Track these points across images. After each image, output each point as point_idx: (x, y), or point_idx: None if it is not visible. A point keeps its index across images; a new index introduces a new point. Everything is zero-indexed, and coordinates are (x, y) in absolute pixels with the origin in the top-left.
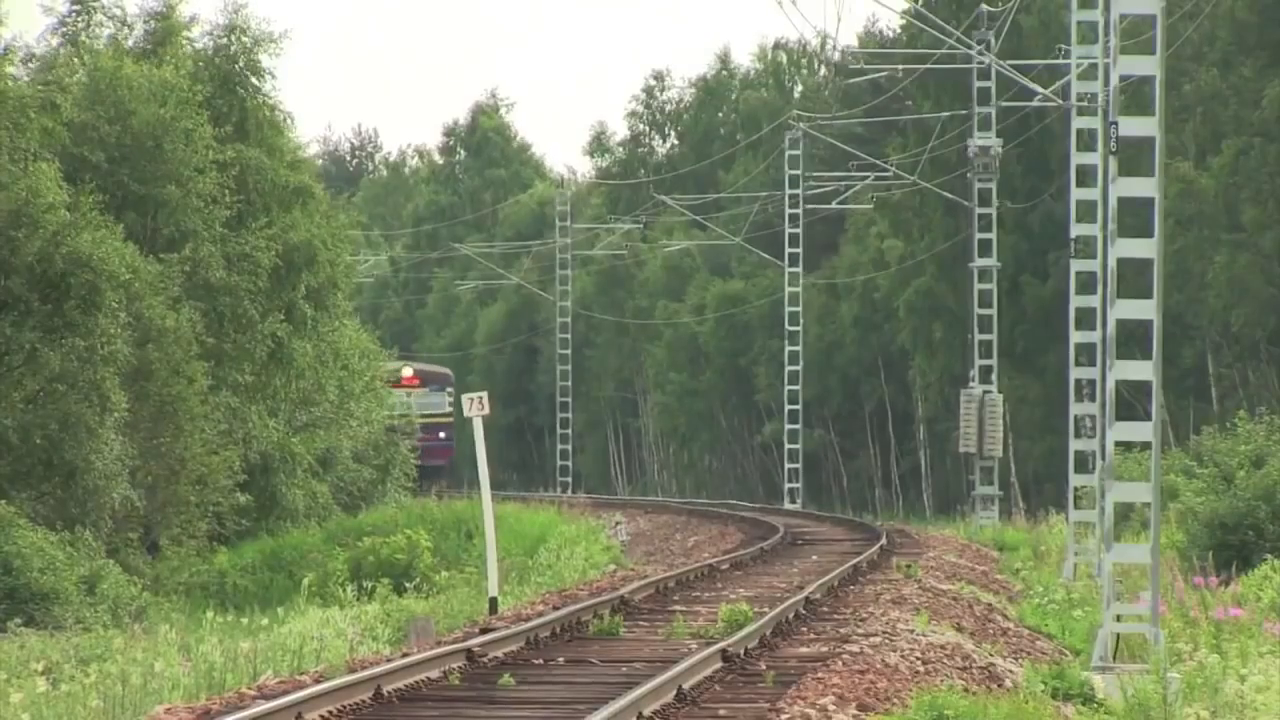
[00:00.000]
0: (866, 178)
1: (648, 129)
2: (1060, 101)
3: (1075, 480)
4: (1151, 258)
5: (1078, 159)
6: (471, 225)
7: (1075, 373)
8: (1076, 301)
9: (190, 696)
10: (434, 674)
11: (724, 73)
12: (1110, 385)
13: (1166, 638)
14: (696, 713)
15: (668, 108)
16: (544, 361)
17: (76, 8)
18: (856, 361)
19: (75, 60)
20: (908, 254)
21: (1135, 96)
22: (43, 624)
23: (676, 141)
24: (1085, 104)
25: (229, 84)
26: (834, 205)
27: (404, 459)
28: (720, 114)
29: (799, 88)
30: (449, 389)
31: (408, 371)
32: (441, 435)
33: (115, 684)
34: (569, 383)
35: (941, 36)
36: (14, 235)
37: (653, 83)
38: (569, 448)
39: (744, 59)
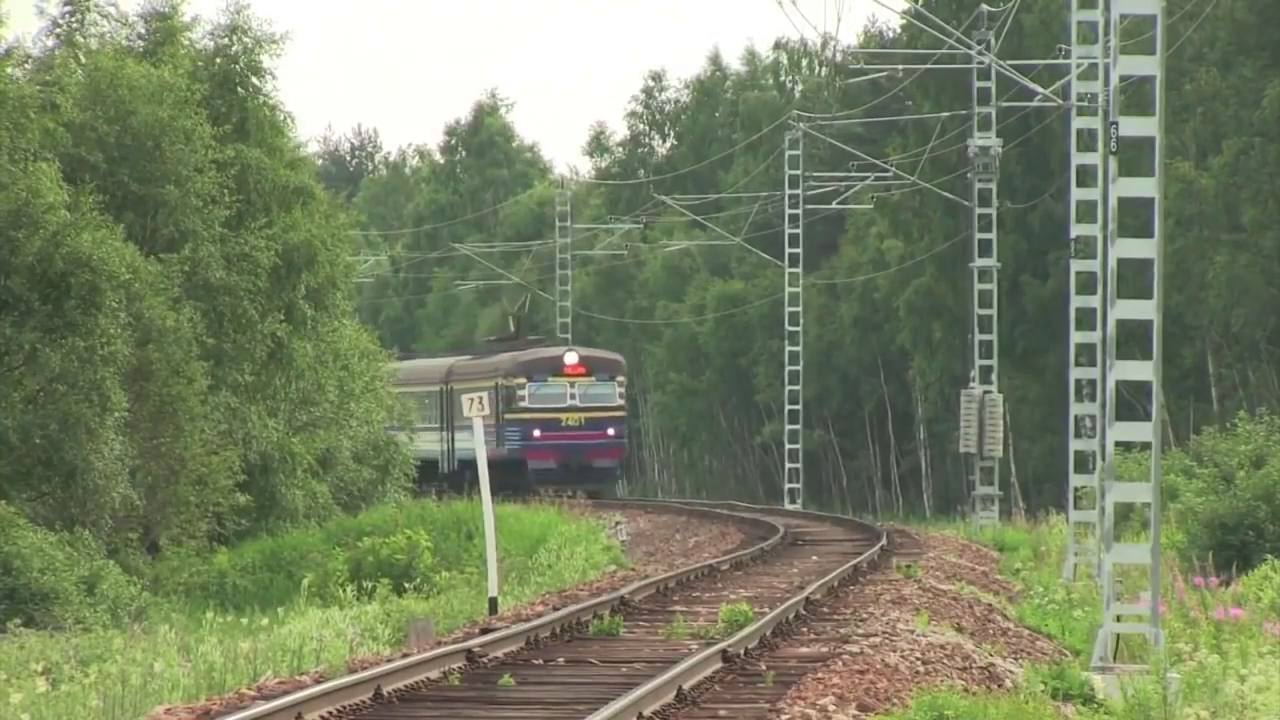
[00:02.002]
0: (866, 178)
1: (647, 129)
2: (1060, 101)
3: (1075, 480)
4: (1151, 258)
5: (1078, 159)
6: (472, 225)
7: (1075, 373)
8: (1076, 301)
9: (190, 697)
10: (434, 674)
11: (717, 73)
12: (1110, 385)
13: (1166, 638)
14: (696, 713)
15: (667, 108)
16: None
17: (69, 8)
18: (856, 361)
19: (72, 61)
20: (908, 254)
21: (1135, 96)
22: (43, 624)
23: (675, 142)
24: (1085, 104)
25: (229, 84)
26: (834, 205)
27: (404, 459)
28: (716, 115)
29: (799, 87)
30: (619, 378)
31: (572, 358)
32: (610, 432)
33: (115, 684)
34: None
35: (941, 36)
36: (14, 235)
37: (651, 83)
38: None
39: (744, 59)
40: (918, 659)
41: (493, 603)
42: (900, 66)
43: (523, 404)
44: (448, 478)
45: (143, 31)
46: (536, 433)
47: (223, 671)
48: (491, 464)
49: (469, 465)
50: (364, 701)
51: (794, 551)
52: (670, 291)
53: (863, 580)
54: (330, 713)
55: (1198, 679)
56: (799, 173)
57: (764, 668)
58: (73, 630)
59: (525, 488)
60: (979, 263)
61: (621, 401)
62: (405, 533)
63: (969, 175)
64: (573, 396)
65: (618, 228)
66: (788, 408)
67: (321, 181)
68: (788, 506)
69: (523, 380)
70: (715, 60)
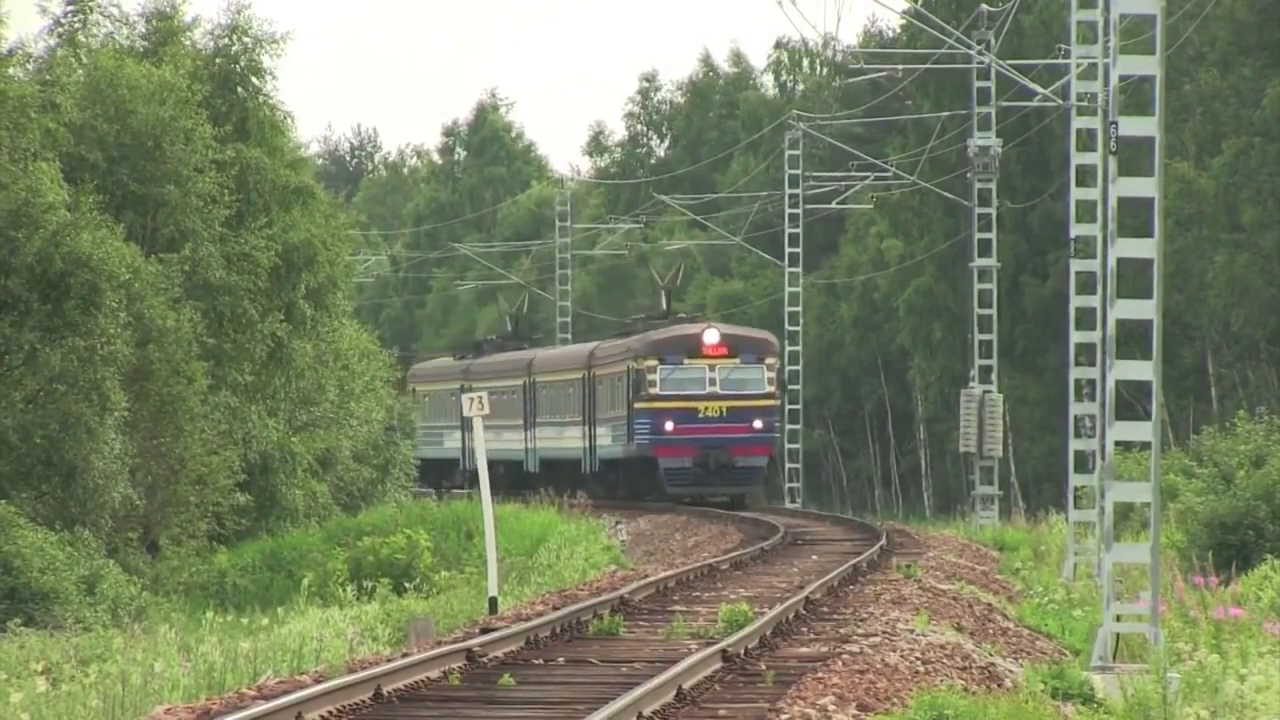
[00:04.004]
0: (866, 178)
1: (645, 129)
2: (1060, 101)
3: (1075, 480)
4: (1151, 258)
5: (1078, 159)
6: (471, 225)
7: (1075, 373)
8: (1076, 301)
9: (190, 696)
10: (434, 674)
11: (710, 74)
12: (1110, 385)
13: (1166, 638)
14: (696, 713)
15: (663, 108)
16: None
17: (72, 7)
18: (856, 361)
19: (73, 60)
20: (907, 254)
21: (1135, 96)
22: (43, 624)
23: (670, 145)
24: (1085, 104)
25: (229, 84)
26: (834, 205)
27: (404, 459)
28: (710, 115)
29: (799, 87)
30: (769, 360)
31: (712, 336)
32: (757, 424)
33: (115, 684)
34: None
35: (941, 36)
36: (14, 235)
37: (646, 84)
38: None
39: (731, 60)
40: (918, 659)
41: (493, 602)
42: (900, 66)
43: (653, 391)
44: (591, 480)
45: (144, 31)
46: (669, 425)
47: (223, 671)
48: (621, 463)
49: (611, 466)
50: (364, 701)
51: (794, 551)
52: (670, 291)
53: (863, 580)
54: (330, 712)
55: (1197, 679)
56: (799, 172)
57: (764, 667)
58: (73, 630)
59: (657, 492)
60: (979, 263)
61: (771, 389)
62: (405, 532)
63: (969, 175)
64: (712, 382)
65: (618, 228)
66: (788, 408)
67: (321, 181)
68: (788, 506)
69: (654, 363)
70: (707, 61)
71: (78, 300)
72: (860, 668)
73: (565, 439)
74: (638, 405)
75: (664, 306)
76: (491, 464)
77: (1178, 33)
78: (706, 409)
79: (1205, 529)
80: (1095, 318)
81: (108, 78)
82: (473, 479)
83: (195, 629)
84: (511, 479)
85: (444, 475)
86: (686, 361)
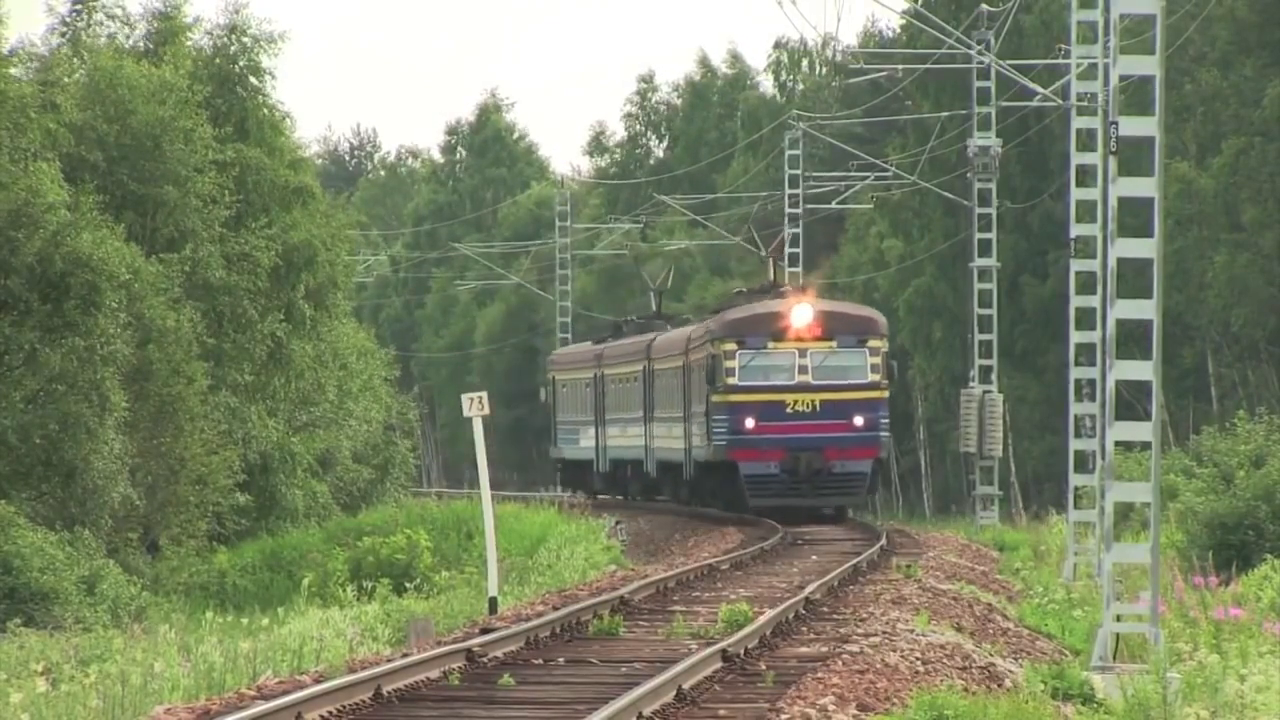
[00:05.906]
0: (866, 178)
1: (644, 130)
2: (1060, 101)
3: (1075, 480)
4: (1151, 258)
5: (1077, 159)
6: (471, 225)
7: (1075, 373)
8: (1076, 301)
9: (190, 697)
10: (434, 674)
11: (708, 74)
12: (1110, 385)
13: (1166, 638)
14: (696, 713)
15: (661, 109)
16: (544, 361)
17: (78, 8)
18: None
19: (74, 60)
20: (907, 254)
21: (1135, 96)
22: (43, 624)
23: (670, 145)
24: (1085, 104)
25: (229, 84)
26: (834, 205)
27: (403, 459)
28: (709, 116)
29: (799, 87)
30: (873, 342)
31: (803, 315)
32: (858, 421)
33: (115, 684)
34: None
35: (941, 36)
36: (14, 235)
37: (644, 85)
38: None
39: (728, 62)
40: (917, 659)
41: (493, 602)
42: (900, 66)
43: (731, 381)
44: (691, 486)
45: (145, 31)
46: (749, 423)
47: (223, 671)
48: (701, 468)
49: (711, 472)
50: (364, 701)
51: (794, 551)
52: (671, 291)
53: (862, 580)
54: (330, 712)
55: (1197, 679)
56: (799, 172)
57: (764, 667)
58: (73, 630)
59: (737, 503)
60: (979, 263)
61: (877, 377)
62: (405, 533)
63: (969, 175)
64: (803, 370)
65: (618, 228)
66: None
67: (321, 181)
68: None
69: (732, 347)
70: (705, 62)
71: (78, 300)
72: (860, 668)
73: (673, 436)
74: (714, 398)
75: (771, 278)
76: (618, 464)
77: (1178, 32)
78: (796, 403)
79: (1205, 529)
80: (1095, 318)
81: (108, 78)
82: (606, 482)
83: (195, 629)
84: (639, 483)
85: (583, 478)
86: (771, 345)
